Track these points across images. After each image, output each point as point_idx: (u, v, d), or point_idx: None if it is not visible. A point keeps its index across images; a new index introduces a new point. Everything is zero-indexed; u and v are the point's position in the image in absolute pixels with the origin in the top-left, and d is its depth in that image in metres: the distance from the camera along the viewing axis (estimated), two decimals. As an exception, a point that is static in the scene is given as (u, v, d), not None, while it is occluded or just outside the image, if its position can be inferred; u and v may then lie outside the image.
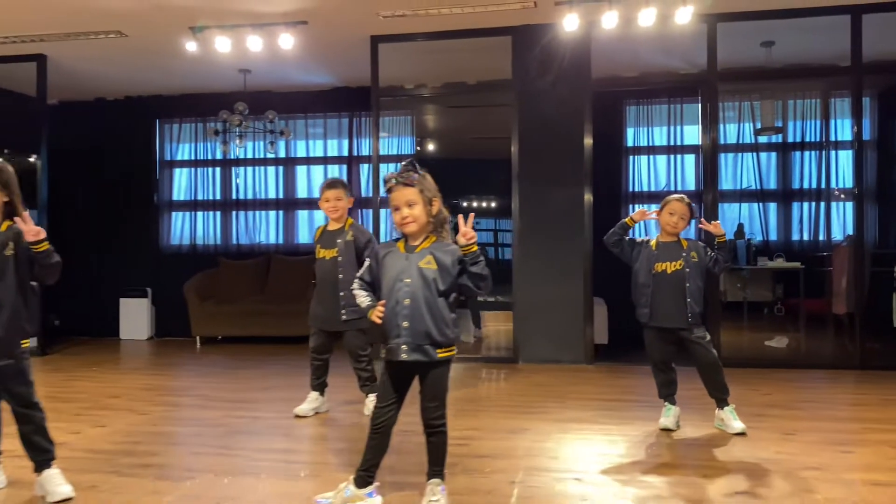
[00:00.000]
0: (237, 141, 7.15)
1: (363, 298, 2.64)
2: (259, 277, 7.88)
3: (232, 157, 7.85)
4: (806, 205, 7.37)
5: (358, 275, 2.71)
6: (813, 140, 7.31)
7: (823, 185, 7.42)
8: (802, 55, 6.57)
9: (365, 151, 8.01)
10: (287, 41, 5.88)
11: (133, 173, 8.17)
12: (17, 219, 2.62)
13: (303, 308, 7.18)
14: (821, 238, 7.27)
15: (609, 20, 5.41)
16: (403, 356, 2.52)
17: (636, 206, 7.59)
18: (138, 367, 6.20)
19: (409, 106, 7.82)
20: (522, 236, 6.06)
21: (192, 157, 8.32)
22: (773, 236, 7.41)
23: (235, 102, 7.36)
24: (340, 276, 3.98)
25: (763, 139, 7.30)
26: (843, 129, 7.33)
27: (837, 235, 7.27)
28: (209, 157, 8.27)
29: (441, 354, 2.54)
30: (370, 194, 7.88)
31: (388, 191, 2.59)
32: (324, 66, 7.13)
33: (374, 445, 2.62)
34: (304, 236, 8.21)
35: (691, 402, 4.07)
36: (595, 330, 6.08)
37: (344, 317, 4.00)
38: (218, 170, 8.30)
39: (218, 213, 8.28)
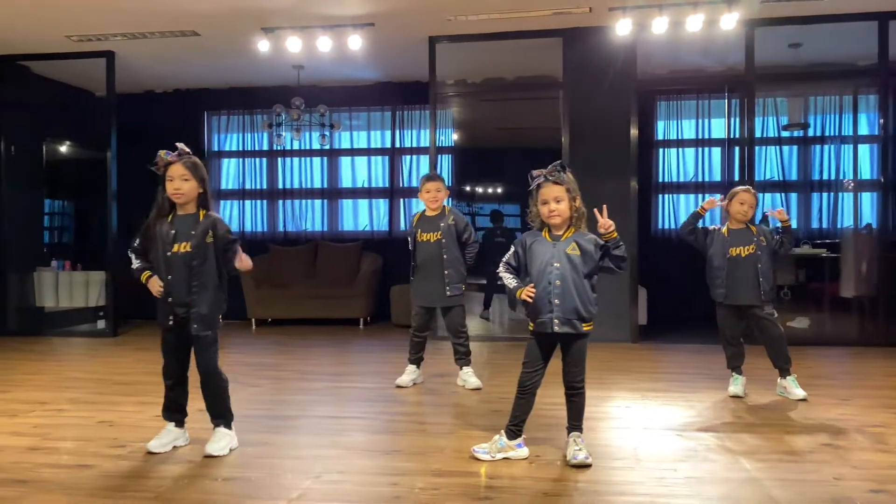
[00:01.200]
0: (294, 134, 7.54)
1: (510, 280, 3.10)
2: (307, 263, 8.29)
3: (279, 147, 8.22)
4: (825, 195, 7.89)
5: (504, 260, 3.14)
6: (833, 134, 7.81)
7: (842, 177, 7.95)
8: (826, 55, 7.08)
9: (407, 143, 8.42)
10: (356, 42, 6.28)
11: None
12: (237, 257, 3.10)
13: (350, 292, 7.73)
14: (839, 226, 7.79)
15: (659, 25, 5.88)
16: (556, 328, 2.98)
17: (666, 195, 8.10)
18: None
19: (447, 100, 8.24)
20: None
21: (240, 148, 8.69)
22: (794, 225, 7.92)
23: (283, 95, 7.77)
24: (445, 256, 4.47)
25: (786, 134, 7.79)
26: (861, 124, 7.86)
27: (850, 223, 7.81)
28: (256, 149, 8.65)
29: (585, 327, 3.01)
30: (412, 184, 8.37)
31: (537, 186, 3.02)
32: (374, 63, 7.51)
33: (522, 404, 3.07)
34: (348, 224, 8.64)
35: (751, 374, 4.57)
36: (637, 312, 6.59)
37: (448, 293, 4.48)
38: (265, 160, 8.68)
39: (265, 202, 8.67)
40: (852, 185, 7.91)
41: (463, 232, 4.53)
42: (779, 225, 4.34)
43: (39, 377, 5.05)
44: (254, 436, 3.46)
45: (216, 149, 8.77)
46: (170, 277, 3.08)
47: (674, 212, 8.06)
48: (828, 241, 7.66)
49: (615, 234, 2.99)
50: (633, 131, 6.46)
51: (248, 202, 8.67)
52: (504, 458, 3.03)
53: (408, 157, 8.44)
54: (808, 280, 7.64)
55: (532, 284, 3.00)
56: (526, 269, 3.08)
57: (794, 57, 6.98)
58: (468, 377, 4.54)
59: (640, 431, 3.52)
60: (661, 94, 7.90)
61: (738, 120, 7.91)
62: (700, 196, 7.99)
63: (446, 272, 4.45)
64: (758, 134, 7.94)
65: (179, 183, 3.05)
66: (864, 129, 7.84)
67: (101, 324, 7.42)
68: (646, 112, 7.91)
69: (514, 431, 3.08)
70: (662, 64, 7.06)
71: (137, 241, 3.17)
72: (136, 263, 3.18)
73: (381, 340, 6.86)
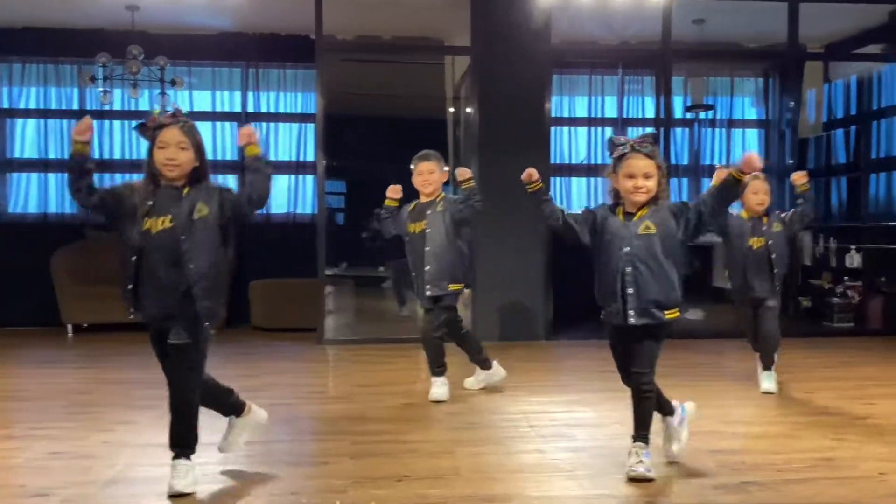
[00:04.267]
0: (131, 91, 6.94)
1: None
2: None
3: (105, 108, 7.52)
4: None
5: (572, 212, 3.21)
6: (725, 117, 8.64)
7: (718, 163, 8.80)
8: (731, 34, 7.83)
9: (264, 108, 8.08)
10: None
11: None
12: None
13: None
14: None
15: (585, -10, 6.16)
16: (632, 321, 3.03)
17: (559, 178, 8.48)
18: (43, 361, 5.94)
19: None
20: (483, 207, 6.63)
21: (41, 106, 7.81)
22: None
23: (105, 42, 7.17)
24: (427, 248, 4.35)
25: (690, 115, 8.49)
26: (746, 108, 8.78)
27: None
28: (64, 107, 7.84)
29: (668, 316, 3.07)
30: (272, 158, 8.04)
31: (621, 157, 3.02)
32: (226, 9, 7.04)
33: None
34: (186, 205, 8.10)
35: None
36: (546, 307, 6.88)
37: (428, 293, 4.36)
38: (74, 122, 7.85)
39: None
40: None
41: (456, 212, 4.37)
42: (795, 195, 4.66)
43: None
44: (218, 468, 3.19)
45: (6, 105, 7.81)
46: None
47: (566, 197, 8.46)
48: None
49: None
50: (547, 105, 6.71)
51: (52, 175, 7.83)
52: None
53: (263, 124, 8.08)
54: (704, 270, 8.40)
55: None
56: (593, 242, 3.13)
57: (697, 33, 7.61)
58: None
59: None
60: (564, 67, 8.24)
61: (631, 98, 8.50)
62: (593, 180, 8.47)
63: (427, 268, 4.33)
64: (652, 114, 8.62)
65: (174, 152, 2.81)
66: (749, 114, 8.76)
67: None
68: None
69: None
70: (567, 34, 7.39)
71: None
72: None
73: (247, 347, 6.53)
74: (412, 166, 4.47)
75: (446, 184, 4.65)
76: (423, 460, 3.31)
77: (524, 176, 3.22)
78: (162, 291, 2.82)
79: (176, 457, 2.93)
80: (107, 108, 7.54)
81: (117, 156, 7.94)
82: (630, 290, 3.02)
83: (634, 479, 3.01)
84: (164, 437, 3.66)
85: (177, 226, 2.80)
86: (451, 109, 8.10)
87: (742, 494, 2.91)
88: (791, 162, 7.57)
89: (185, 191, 2.88)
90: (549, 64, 6.74)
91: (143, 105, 7.77)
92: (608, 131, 8.54)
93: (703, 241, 8.06)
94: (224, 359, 6.06)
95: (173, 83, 7.26)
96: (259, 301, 7.38)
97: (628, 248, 3.03)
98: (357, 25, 7.57)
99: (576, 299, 7.83)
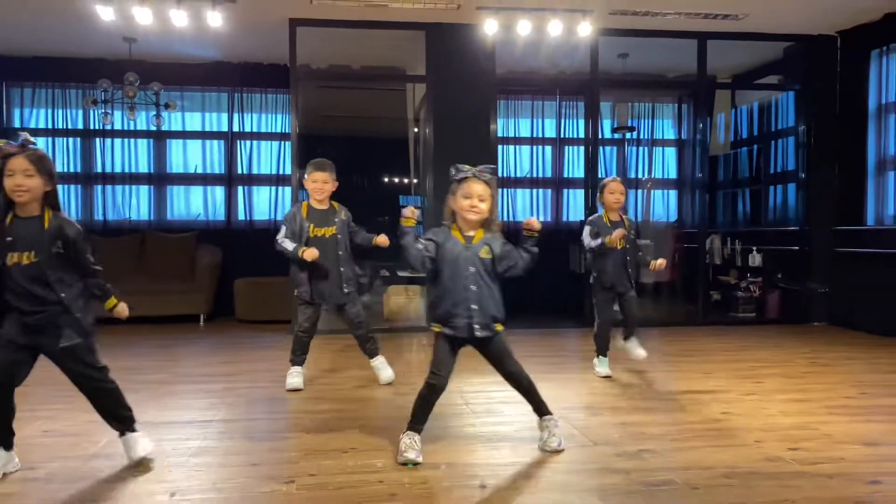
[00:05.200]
0: (129, 113, 6.88)
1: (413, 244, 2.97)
2: (134, 255, 7.60)
3: (106, 127, 7.44)
4: (639, 192, 8.82)
5: (426, 237, 3.04)
6: (646, 138, 8.76)
7: (655, 176, 8.94)
8: (651, 66, 7.94)
9: (247, 127, 8.04)
10: (215, 19, 5.88)
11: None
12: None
13: (187, 286, 7.25)
14: (651, 219, 8.77)
15: (524, 27, 6.21)
16: (477, 333, 3.02)
17: (506, 189, 8.53)
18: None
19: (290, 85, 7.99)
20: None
21: (49, 126, 7.71)
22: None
23: (107, 70, 7.13)
24: (340, 252, 4.36)
25: (616, 136, 8.60)
26: (666, 130, 8.90)
27: (662, 217, 8.84)
28: (69, 127, 7.74)
29: (499, 328, 3.10)
30: (253, 171, 8.03)
31: (463, 179, 3.02)
32: (214, 41, 7.03)
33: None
34: (179, 212, 8.05)
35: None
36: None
37: (346, 290, 4.37)
38: (78, 140, 7.80)
39: (79, 187, 7.80)
40: (650, 183, 8.93)
41: (355, 228, 4.43)
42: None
43: None
44: (190, 443, 3.19)
45: (17, 125, 7.70)
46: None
47: (511, 205, 8.52)
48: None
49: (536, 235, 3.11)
50: (493, 126, 6.76)
51: (59, 187, 7.70)
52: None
53: (247, 142, 8.05)
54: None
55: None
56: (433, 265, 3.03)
57: (621, 66, 7.72)
58: (382, 368, 4.52)
59: (569, 411, 3.77)
60: (507, 94, 8.30)
61: (568, 121, 8.60)
62: (535, 192, 8.55)
63: (342, 269, 4.33)
64: (582, 135, 8.70)
65: (22, 179, 2.66)
66: (670, 134, 8.89)
67: None
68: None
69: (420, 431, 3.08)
70: (510, 65, 7.44)
71: None
72: None
73: (236, 338, 6.51)
74: (307, 173, 4.41)
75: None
76: (368, 435, 3.34)
77: (403, 217, 3.00)
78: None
79: (122, 434, 2.96)
80: (108, 127, 7.44)
81: (118, 169, 7.85)
82: (475, 307, 3.02)
83: (547, 452, 3.06)
84: (143, 416, 3.67)
85: (41, 261, 2.70)
86: (416, 130, 8.12)
87: (637, 461, 2.97)
88: (700, 175, 7.68)
89: (46, 221, 2.73)
90: (494, 90, 6.79)
91: (141, 125, 7.73)
92: (549, 150, 8.64)
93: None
94: (211, 347, 6.08)
95: (167, 106, 7.21)
96: (242, 297, 7.34)
97: (473, 269, 3.02)
98: (330, 56, 7.57)
99: (522, 293, 7.99)
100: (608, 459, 2.98)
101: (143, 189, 7.94)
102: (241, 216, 8.02)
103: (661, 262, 4.57)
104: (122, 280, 7.18)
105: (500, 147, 8.52)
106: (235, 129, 8.01)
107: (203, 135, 8.03)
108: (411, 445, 2.96)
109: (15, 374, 2.81)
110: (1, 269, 2.70)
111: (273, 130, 8.07)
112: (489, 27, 6.18)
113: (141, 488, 2.69)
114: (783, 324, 7.13)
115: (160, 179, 7.97)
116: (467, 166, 3.06)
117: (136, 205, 7.92)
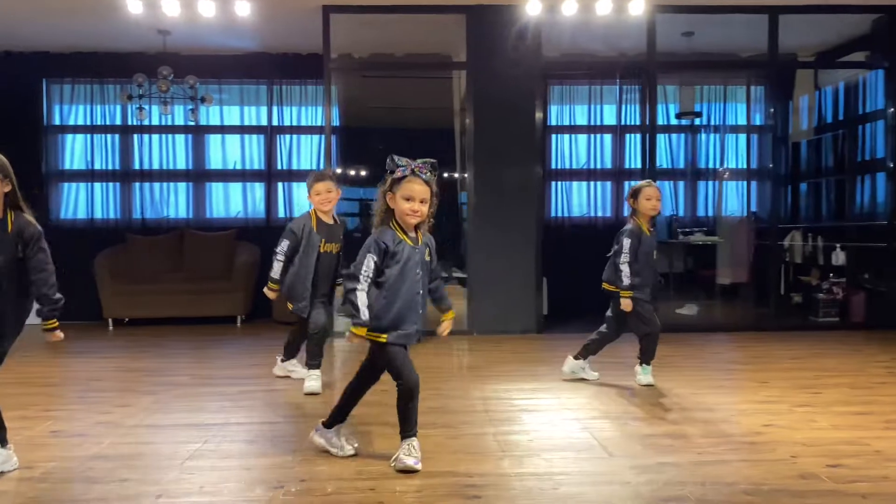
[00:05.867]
0: (163, 108, 7.18)
1: (366, 310, 2.93)
2: (173, 254, 7.91)
3: (138, 123, 7.77)
4: (711, 184, 8.62)
5: (368, 276, 2.96)
6: (718, 123, 8.55)
7: (728, 166, 8.73)
8: (718, 45, 7.75)
9: (287, 121, 8.26)
10: (243, 8, 6.09)
11: (14, 139, 7.85)
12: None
13: (225, 286, 7.49)
14: (723, 214, 8.56)
15: (569, 7, 6.18)
16: (418, 340, 3.08)
17: (559, 182, 8.49)
18: (78, 351, 6.16)
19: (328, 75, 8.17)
20: (477, 212, 6.72)
21: (88, 122, 8.12)
22: (680, 213, 8.60)
23: (143, 64, 7.41)
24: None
25: (680, 122, 8.43)
26: (741, 115, 8.67)
27: (736, 211, 8.61)
28: (107, 123, 8.13)
29: None
30: (293, 166, 8.25)
31: (401, 178, 2.97)
32: (251, 32, 7.27)
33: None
34: (218, 209, 8.34)
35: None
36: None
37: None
38: (117, 136, 8.17)
39: (118, 185, 8.17)
40: (727, 174, 8.71)
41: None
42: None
43: None
44: (185, 447, 3.34)
45: (58, 122, 8.14)
46: None
47: (567, 199, 8.46)
48: (705, 228, 8.41)
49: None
50: (539, 115, 6.75)
51: (97, 185, 8.13)
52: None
53: (287, 136, 8.27)
54: (697, 267, 8.35)
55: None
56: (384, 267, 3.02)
57: (686, 45, 7.56)
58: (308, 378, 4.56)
59: (592, 420, 3.75)
60: (554, 79, 8.25)
61: (629, 107, 8.47)
62: (592, 184, 8.47)
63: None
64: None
65: None
66: (742, 119, 8.65)
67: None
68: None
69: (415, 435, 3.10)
70: (561, 48, 7.41)
71: None
72: None
73: (270, 339, 6.69)
74: (308, 186, 4.50)
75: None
76: (373, 441, 3.41)
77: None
78: None
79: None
80: (144, 123, 7.77)
81: (155, 166, 8.19)
82: (420, 311, 3.06)
83: (402, 471, 2.97)
84: (151, 419, 3.86)
85: (4, 264, 2.86)
86: (467, 121, 8.22)
87: (652, 474, 2.94)
88: (772, 165, 7.45)
89: (9, 223, 2.88)
90: (539, 76, 6.77)
91: (179, 120, 8.05)
92: (607, 138, 8.54)
93: (699, 240, 8.07)
94: (241, 349, 6.29)
95: (202, 100, 7.47)
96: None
97: (419, 272, 3.05)
98: (371, 44, 7.68)
99: (572, 294, 7.94)
100: (621, 472, 2.96)
101: (182, 186, 8.26)
102: (280, 213, 8.24)
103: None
104: (159, 280, 7.57)
105: (553, 136, 8.52)
106: (275, 122, 8.23)
107: (241, 129, 8.28)
108: (409, 452, 3.02)
109: None
110: None
111: (313, 123, 8.26)
112: (532, 7, 6.18)
113: (130, 490, 2.83)
114: (868, 329, 6.85)
115: (198, 176, 8.27)
116: (405, 160, 3.01)
117: (175, 202, 8.24)
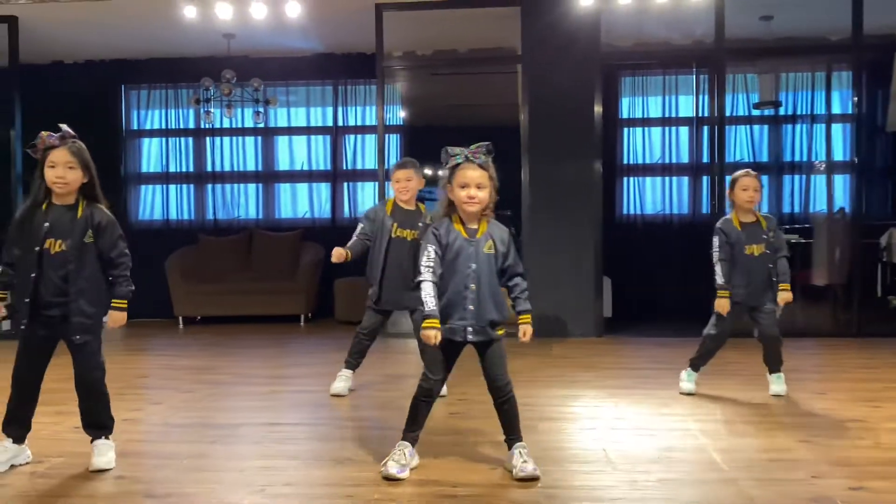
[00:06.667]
0: (225, 111, 7.42)
1: (432, 301, 2.91)
2: (241, 254, 8.18)
3: (209, 126, 8.07)
4: (797, 177, 8.14)
5: (430, 266, 2.94)
6: (805, 113, 8.06)
7: (815, 158, 8.23)
8: (800, 29, 7.30)
9: (351, 121, 8.37)
10: (294, 9, 6.21)
11: (96, 143, 8.28)
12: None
13: (290, 286, 7.66)
14: (811, 210, 8.06)
15: (624, -5, 5.98)
16: (471, 338, 2.96)
17: (631, 178, 8.23)
18: (140, 348, 6.48)
19: (393, 74, 8.22)
20: (533, 209, 6.60)
21: (163, 126, 8.50)
22: (765, 208, 8.15)
23: (212, 67, 7.66)
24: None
25: (758, 112, 8.01)
26: (835, 103, 8.12)
27: (823, 207, 8.09)
28: (181, 126, 8.49)
29: (500, 332, 3.02)
30: (357, 166, 8.35)
31: (456, 166, 2.94)
32: (314, 33, 7.43)
33: (425, 412, 3.08)
34: (286, 210, 8.55)
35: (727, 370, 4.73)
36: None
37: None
38: (191, 140, 8.52)
39: (192, 186, 8.51)
40: (824, 166, 8.19)
41: None
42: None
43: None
44: (190, 447, 3.42)
45: (135, 127, 8.56)
46: (34, 276, 2.97)
47: (639, 195, 8.20)
48: (797, 226, 7.92)
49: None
50: (597, 108, 6.55)
51: (172, 187, 8.50)
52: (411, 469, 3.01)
53: (352, 136, 8.38)
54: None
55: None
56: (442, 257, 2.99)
57: (765, 30, 7.16)
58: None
59: (609, 431, 3.60)
60: (625, 70, 8.02)
61: (706, 97, 8.10)
62: (667, 179, 8.16)
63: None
64: (728, 112, 8.18)
65: (63, 171, 2.94)
66: (836, 108, 8.10)
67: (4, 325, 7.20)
68: (608, 89, 8.03)
69: (415, 440, 3.07)
70: (627, 37, 7.17)
71: (9, 248, 3.06)
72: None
73: (326, 339, 6.83)
74: (391, 174, 4.51)
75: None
76: (375, 447, 3.37)
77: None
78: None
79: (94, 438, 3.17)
80: (213, 125, 8.05)
81: (227, 168, 8.48)
82: (471, 307, 2.94)
83: (523, 479, 2.89)
84: (174, 417, 3.98)
85: (69, 250, 2.97)
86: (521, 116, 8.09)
87: (645, 490, 2.78)
88: (856, 159, 6.94)
89: (80, 211, 3.01)
90: (598, 68, 6.57)
91: (248, 122, 8.30)
92: (683, 131, 8.22)
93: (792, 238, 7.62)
94: (296, 348, 6.42)
95: (268, 102, 7.68)
96: (342, 297, 7.67)
97: (474, 265, 2.95)
98: (434, 41, 7.67)
99: (643, 296, 7.69)
100: (620, 485, 2.82)
101: (251, 187, 8.52)
102: (346, 213, 8.36)
103: (787, 297, 4.19)
104: (228, 279, 7.83)
105: (624, 130, 8.27)
106: (340, 123, 8.36)
107: (307, 130, 8.47)
108: (398, 459, 2.97)
109: (42, 368, 3.15)
110: (39, 254, 2.99)
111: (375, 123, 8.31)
112: (586, -3, 6.01)
113: (121, 487, 2.92)
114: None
115: (267, 177, 8.50)
116: (458, 149, 2.97)
117: (245, 203, 8.51)
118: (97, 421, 3.19)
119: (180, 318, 7.79)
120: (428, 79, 8.51)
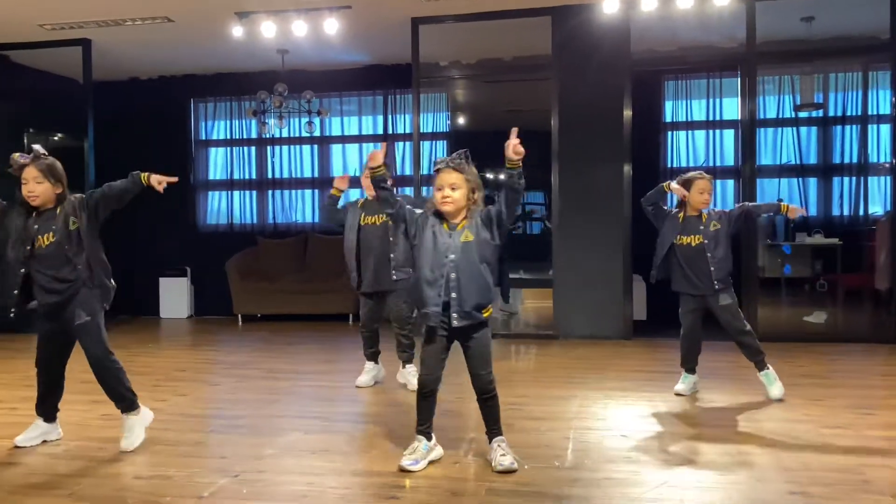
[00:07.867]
0: (277, 122, 7.79)
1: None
2: (297, 256, 8.55)
3: (267, 136, 8.46)
4: (846, 180, 7.86)
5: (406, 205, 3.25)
6: (853, 114, 7.78)
7: (863, 160, 7.92)
8: (842, 28, 7.07)
9: (400, 129, 8.62)
10: (332, 25, 6.47)
11: (168, 153, 8.84)
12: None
13: (339, 286, 7.95)
14: (860, 213, 7.77)
15: (649, 2, 5.97)
16: (455, 322, 3.11)
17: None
18: (193, 344, 6.90)
19: (443, 83, 8.41)
20: (563, 212, 6.66)
21: (227, 137, 8.97)
22: (812, 212, 7.92)
23: (270, 81, 8.02)
24: (392, 238, 4.57)
25: (803, 114, 7.78)
26: (885, 103, 7.79)
27: (878, 210, 7.77)
28: (244, 137, 8.93)
29: (485, 314, 3.17)
30: (407, 172, 8.56)
31: (437, 171, 3.16)
32: (360, 46, 7.68)
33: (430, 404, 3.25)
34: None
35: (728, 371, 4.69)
36: (634, 306, 6.69)
37: (395, 276, 4.59)
38: (253, 149, 8.95)
39: (254, 193, 8.95)
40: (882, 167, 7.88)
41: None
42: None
43: (5, 375, 5.36)
44: (191, 435, 3.70)
45: (203, 137, 9.06)
46: (25, 272, 3.34)
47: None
48: (857, 228, 7.67)
49: (520, 166, 3.09)
50: (627, 112, 6.55)
51: (236, 193, 8.95)
52: (430, 462, 3.19)
53: (401, 143, 8.62)
54: (825, 272, 7.64)
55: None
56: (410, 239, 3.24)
57: (806, 31, 6.97)
58: (410, 377, 4.64)
59: (583, 432, 3.67)
60: (668, 74, 7.94)
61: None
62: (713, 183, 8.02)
63: (392, 255, 4.56)
64: (773, 114, 7.99)
65: (33, 185, 3.30)
66: (884, 109, 7.78)
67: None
68: (652, 93, 7.98)
69: (428, 433, 3.24)
70: (665, 41, 7.12)
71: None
72: None
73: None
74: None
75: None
76: (368, 440, 3.58)
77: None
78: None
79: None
80: (271, 135, 8.45)
81: (286, 175, 8.87)
82: (454, 295, 3.09)
83: (502, 472, 3.04)
84: (190, 408, 4.28)
85: (60, 239, 3.32)
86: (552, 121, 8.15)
87: (607, 488, 2.87)
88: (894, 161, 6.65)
89: (59, 210, 3.37)
90: (628, 73, 6.56)
91: (303, 132, 8.65)
92: (728, 133, 8.08)
93: (816, 242, 7.41)
94: (335, 345, 6.68)
95: (319, 113, 8.00)
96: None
97: (453, 255, 3.10)
98: (479, 50, 7.80)
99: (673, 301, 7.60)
100: (558, 480, 2.92)
101: (308, 193, 8.88)
102: (395, 217, 8.59)
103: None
104: (283, 279, 8.21)
105: (668, 133, 8.19)
106: (390, 130, 8.62)
107: (359, 138, 8.76)
108: (410, 451, 3.18)
109: (61, 358, 3.56)
110: (29, 257, 3.36)
111: (425, 130, 8.53)
112: (608, 6, 6.02)
113: (114, 469, 3.22)
114: None
115: (322, 183, 8.84)
116: (443, 159, 3.19)
117: (301, 208, 8.88)
118: (115, 394, 3.52)
119: (239, 316, 8.22)
120: (476, 86, 8.66)
